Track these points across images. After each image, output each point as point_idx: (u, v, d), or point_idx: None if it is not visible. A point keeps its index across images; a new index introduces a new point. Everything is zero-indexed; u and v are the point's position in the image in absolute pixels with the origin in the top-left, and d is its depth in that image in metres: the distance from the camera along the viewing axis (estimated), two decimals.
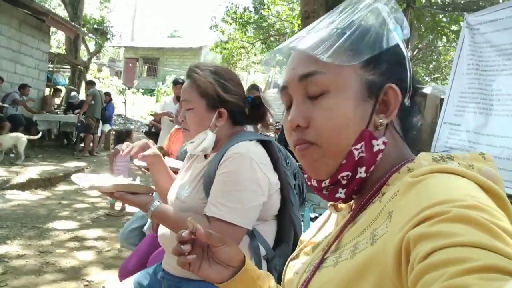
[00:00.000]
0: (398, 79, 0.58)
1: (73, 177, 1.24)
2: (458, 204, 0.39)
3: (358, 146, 0.56)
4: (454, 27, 8.67)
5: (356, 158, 0.56)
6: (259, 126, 1.41)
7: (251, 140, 1.25)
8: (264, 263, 1.27)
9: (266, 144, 1.28)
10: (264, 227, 1.29)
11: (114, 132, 10.18)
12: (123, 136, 4.85)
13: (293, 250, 1.35)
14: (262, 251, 1.26)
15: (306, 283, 0.57)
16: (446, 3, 8.66)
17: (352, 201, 0.64)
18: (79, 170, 6.62)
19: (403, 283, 0.40)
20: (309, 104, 0.58)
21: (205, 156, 1.38)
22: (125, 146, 1.37)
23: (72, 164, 6.93)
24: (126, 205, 4.87)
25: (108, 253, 3.44)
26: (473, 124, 2.07)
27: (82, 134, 8.61)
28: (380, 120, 0.57)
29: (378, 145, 0.56)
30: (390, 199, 0.50)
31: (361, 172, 0.57)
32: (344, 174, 0.57)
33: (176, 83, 5.31)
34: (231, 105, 1.30)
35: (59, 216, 4.36)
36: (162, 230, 1.35)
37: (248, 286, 0.70)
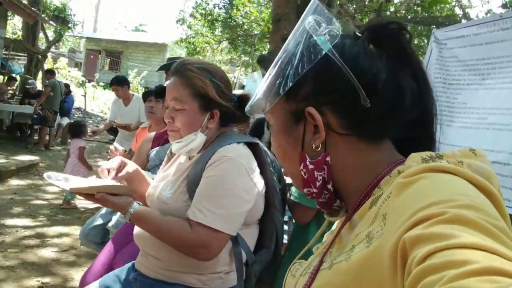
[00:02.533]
0: (329, 93, 0.57)
1: (45, 175, 1.19)
2: (453, 204, 0.39)
3: (301, 167, 0.61)
4: (415, 41, 9.11)
5: (305, 177, 0.61)
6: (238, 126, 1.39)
7: (239, 142, 1.22)
8: (244, 269, 1.25)
9: (253, 146, 1.25)
10: (247, 232, 1.26)
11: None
12: (77, 130, 4.66)
13: (275, 255, 1.36)
14: (243, 256, 1.24)
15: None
16: (409, 18, 9.08)
17: (346, 207, 0.64)
18: (33, 164, 6.27)
19: (398, 286, 0.39)
20: None
21: (189, 157, 1.34)
22: (105, 172, 1.27)
23: (26, 158, 6.54)
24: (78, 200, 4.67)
25: (66, 252, 3.28)
26: (438, 134, 2.17)
27: (37, 127, 8.12)
28: (312, 142, 0.59)
29: (308, 165, 0.60)
30: (384, 202, 0.50)
31: (313, 188, 0.61)
32: (306, 190, 0.63)
33: (113, 83, 4.40)
34: (223, 107, 1.25)
35: (11, 212, 4.11)
36: (139, 229, 1.29)
37: None
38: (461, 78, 2.09)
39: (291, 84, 0.57)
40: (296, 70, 0.57)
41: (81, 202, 4.79)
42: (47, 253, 3.22)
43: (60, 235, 3.63)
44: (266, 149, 1.33)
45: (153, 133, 2.57)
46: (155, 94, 2.74)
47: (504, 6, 9.24)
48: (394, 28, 0.59)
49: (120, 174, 1.30)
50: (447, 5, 9.61)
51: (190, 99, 1.21)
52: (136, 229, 1.30)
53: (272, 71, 0.61)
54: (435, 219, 0.37)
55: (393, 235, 0.41)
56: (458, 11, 10.40)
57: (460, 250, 0.34)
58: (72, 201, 4.57)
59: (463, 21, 9.10)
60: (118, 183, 1.22)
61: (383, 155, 0.59)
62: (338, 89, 0.57)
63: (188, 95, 1.21)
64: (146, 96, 2.87)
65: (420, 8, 8.19)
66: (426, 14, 8.91)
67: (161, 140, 2.47)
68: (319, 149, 0.58)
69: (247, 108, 0.68)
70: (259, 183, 1.21)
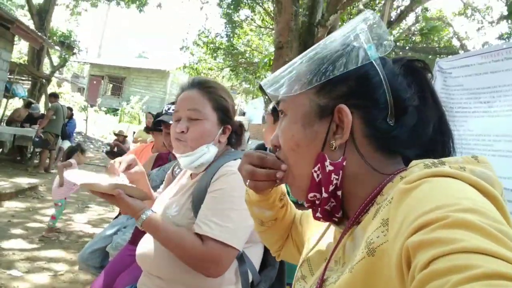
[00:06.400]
0: (364, 99, 0.58)
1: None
2: (455, 208, 0.38)
3: (316, 169, 0.58)
4: None
5: (317, 180, 0.59)
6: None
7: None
8: None
9: None
10: (252, 250, 1.24)
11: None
12: (73, 151, 4.60)
13: (280, 272, 1.33)
14: (249, 277, 1.21)
15: None
16: (407, 47, 9.29)
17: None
18: (33, 187, 6.22)
19: None
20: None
21: (191, 175, 1.33)
22: (117, 164, 1.25)
23: (25, 181, 6.48)
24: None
25: (62, 276, 3.20)
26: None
27: (37, 150, 8.09)
28: (332, 141, 0.58)
29: (327, 166, 0.58)
30: (385, 207, 0.50)
31: (323, 193, 0.59)
32: (311, 195, 0.60)
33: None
34: (234, 125, 1.32)
35: (9, 235, 4.03)
36: (142, 249, 1.27)
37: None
38: (467, 106, 2.13)
39: (329, 78, 0.57)
40: (337, 67, 0.57)
41: (79, 226, 4.70)
42: (44, 277, 3.13)
43: (57, 259, 3.55)
44: None
45: (155, 154, 2.56)
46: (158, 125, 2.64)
47: (500, 37, 9.48)
48: (422, 66, 0.64)
49: (131, 170, 1.27)
50: (445, 37, 9.87)
51: (211, 111, 1.25)
52: (139, 250, 1.28)
53: (303, 59, 0.61)
54: (437, 224, 0.37)
55: (397, 241, 0.41)
56: (455, 42, 10.65)
57: (463, 255, 0.33)
58: (54, 227, 4.25)
59: (461, 51, 9.32)
60: (134, 186, 1.18)
61: (393, 167, 0.59)
62: (375, 98, 0.58)
63: (209, 107, 1.25)
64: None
65: (419, 37, 8.39)
66: (425, 45, 9.12)
67: (163, 161, 2.46)
68: (335, 150, 0.58)
69: (265, 82, 0.63)
70: None
